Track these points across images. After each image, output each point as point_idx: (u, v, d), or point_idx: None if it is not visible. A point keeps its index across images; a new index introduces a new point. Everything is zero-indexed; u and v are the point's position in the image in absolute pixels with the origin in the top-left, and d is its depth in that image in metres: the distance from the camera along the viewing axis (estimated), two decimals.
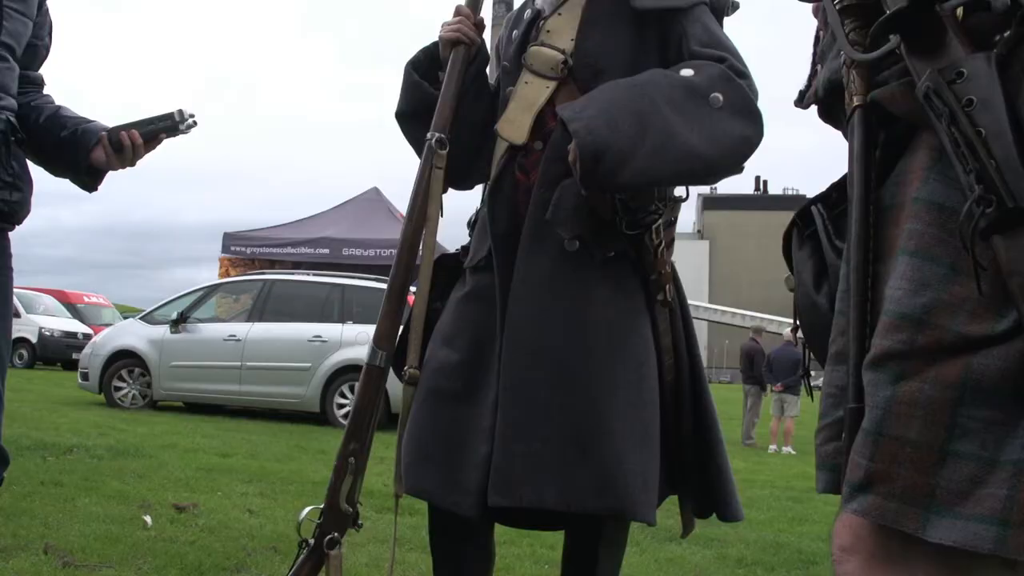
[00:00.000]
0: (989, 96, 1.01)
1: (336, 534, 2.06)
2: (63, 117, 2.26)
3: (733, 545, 4.81)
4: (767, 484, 8.16)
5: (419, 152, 2.20)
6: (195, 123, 2.30)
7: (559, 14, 2.21)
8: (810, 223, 1.42)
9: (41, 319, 20.63)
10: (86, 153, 2.22)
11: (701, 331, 47.39)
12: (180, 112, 2.28)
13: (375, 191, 17.67)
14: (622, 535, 2.31)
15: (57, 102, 2.34)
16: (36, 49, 2.28)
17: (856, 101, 1.20)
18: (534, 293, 2.09)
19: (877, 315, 1.10)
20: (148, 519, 4.21)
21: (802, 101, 1.37)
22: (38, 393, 12.48)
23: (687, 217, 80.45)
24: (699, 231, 77.84)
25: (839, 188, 1.34)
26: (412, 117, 2.31)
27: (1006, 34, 1.04)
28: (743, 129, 2.00)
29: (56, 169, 2.30)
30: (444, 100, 2.20)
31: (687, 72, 2.03)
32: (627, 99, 1.96)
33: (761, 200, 79.47)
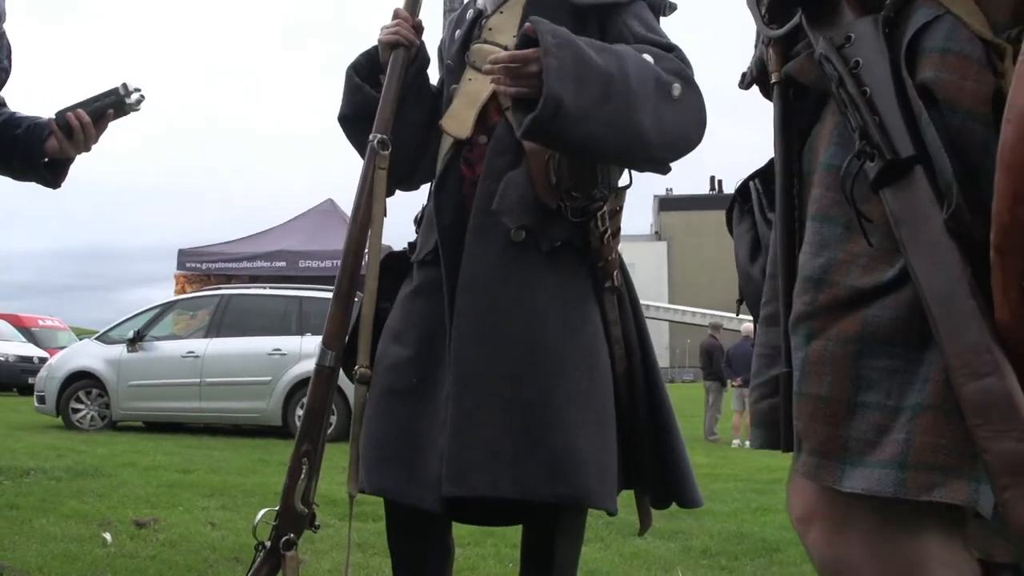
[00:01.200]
0: (874, 56, 1.05)
1: (292, 535, 2.06)
2: (17, 118, 2.26)
3: (697, 537, 4.84)
4: (731, 478, 8.22)
5: (363, 155, 2.21)
6: (142, 97, 2.26)
7: (501, 12, 2.24)
8: (748, 198, 1.46)
9: None
10: (40, 145, 2.21)
11: (662, 331, 47.70)
12: (124, 86, 2.25)
13: (330, 203, 17.59)
14: (579, 525, 2.32)
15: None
16: None
17: (774, 78, 1.24)
18: (481, 283, 2.10)
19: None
20: (108, 536, 4.16)
21: (743, 82, 1.41)
22: None
23: (644, 219, 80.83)
24: (656, 232, 78.21)
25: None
26: (355, 120, 2.32)
27: None
28: (689, 130, 2.04)
29: (16, 170, 2.28)
30: (385, 102, 2.21)
31: (648, 57, 2.04)
32: (601, 58, 1.94)
33: (717, 200, 79.96)
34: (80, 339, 17.61)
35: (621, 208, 2.26)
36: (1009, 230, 0.89)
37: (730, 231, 1.51)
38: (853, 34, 1.07)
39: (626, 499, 2.21)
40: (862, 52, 1.06)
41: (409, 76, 2.27)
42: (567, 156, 2.04)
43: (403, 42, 2.25)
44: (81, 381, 11.28)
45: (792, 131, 1.22)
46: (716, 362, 14.23)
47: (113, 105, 2.23)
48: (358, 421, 2.18)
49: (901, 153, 0.99)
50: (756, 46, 1.40)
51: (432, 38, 2.36)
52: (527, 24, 1.94)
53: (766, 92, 1.38)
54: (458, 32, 2.32)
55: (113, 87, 2.25)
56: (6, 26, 2.29)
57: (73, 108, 2.21)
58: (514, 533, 4.34)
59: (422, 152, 2.31)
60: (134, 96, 2.25)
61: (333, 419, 9.87)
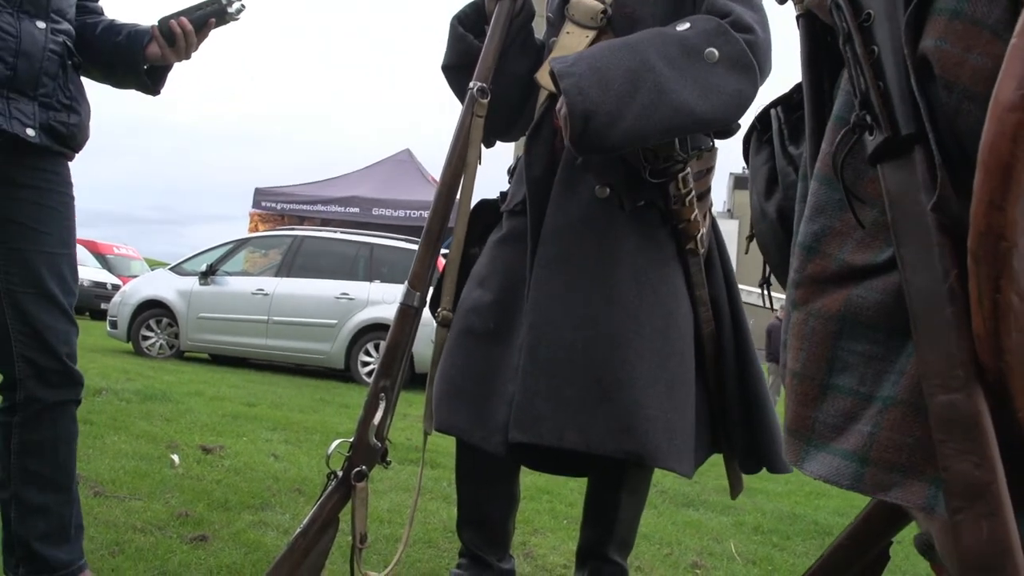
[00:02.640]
0: (889, 10, 0.94)
1: (364, 467, 2.10)
2: (117, 25, 2.30)
3: (750, 514, 4.83)
4: None
5: (463, 102, 2.23)
6: (243, 6, 2.28)
7: None
8: (768, 127, 1.38)
9: None
10: (141, 50, 2.24)
11: None
12: None
13: (407, 152, 17.67)
14: (644, 484, 2.34)
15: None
16: None
17: (798, 10, 1.15)
18: (563, 235, 2.13)
19: None
20: (176, 458, 4.28)
21: None
22: None
23: (719, 196, 79.75)
24: (729, 210, 77.19)
25: (800, 89, 1.27)
26: (457, 69, 2.36)
27: None
28: (737, 83, 2.01)
29: (117, 76, 2.33)
30: (487, 51, 2.24)
31: (682, 27, 2.04)
32: (619, 57, 1.97)
33: None
34: (153, 269, 18.00)
35: (710, 170, 2.25)
36: (983, 237, 0.83)
37: (746, 160, 1.45)
38: None
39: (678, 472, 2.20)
40: (875, 3, 0.95)
41: (513, 28, 2.30)
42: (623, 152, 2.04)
43: None
44: (152, 310, 11.52)
45: (822, 69, 1.12)
46: (775, 342, 14.07)
47: (215, 13, 2.26)
48: (436, 362, 2.22)
49: (902, 129, 0.91)
50: None
51: None
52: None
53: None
54: None
55: None
56: None
57: (176, 16, 2.24)
58: (568, 491, 4.39)
59: (523, 104, 2.34)
60: (235, 5, 2.27)
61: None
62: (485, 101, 2.19)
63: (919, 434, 0.93)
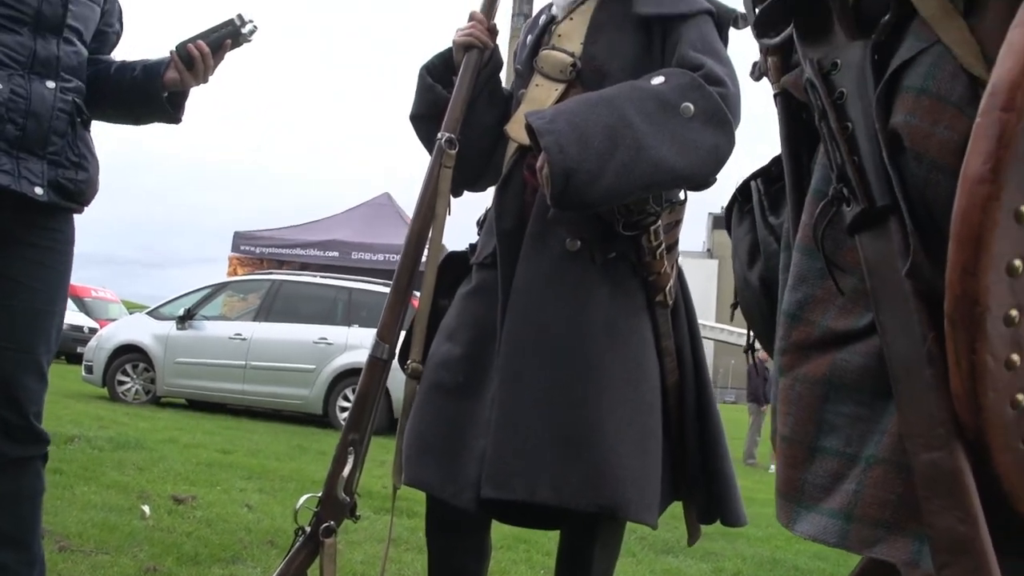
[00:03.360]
0: (859, 89, 0.99)
1: (332, 523, 2.06)
2: (130, 63, 2.32)
3: (730, 559, 4.80)
4: (767, 502, 8.08)
5: (432, 153, 2.23)
6: (255, 28, 2.30)
7: (570, 19, 2.27)
8: (749, 198, 1.41)
9: None
10: (159, 78, 2.26)
11: (707, 350, 47.23)
12: (240, 16, 2.30)
13: (386, 196, 17.70)
14: (616, 537, 2.31)
15: None
16: (106, 35, 2.35)
17: (775, 89, 1.19)
18: (535, 289, 2.11)
19: None
20: (146, 509, 4.21)
21: (754, 72, 1.36)
22: None
23: (698, 236, 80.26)
24: (709, 250, 77.56)
25: (779, 162, 1.30)
26: (425, 119, 2.35)
27: (886, 18, 1.02)
28: (714, 138, 2.01)
29: (136, 111, 2.35)
30: (455, 102, 2.24)
31: (657, 80, 2.04)
32: (597, 113, 1.96)
33: None
34: (131, 313, 17.87)
35: (678, 222, 2.25)
36: (959, 302, 0.85)
37: (728, 232, 1.47)
38: (840, 60, 1.02)
39: (661, 516, 2.19)
40: (847, 82, 1.00)
41: (481, 79, 2.29)
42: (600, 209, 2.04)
43: (477, 44, 2.28)
44: (129, 354, 11.41)
45: (800, 144, 1.16)
46: (755, 383, 14.06)
47: (230, 35, 2.28)
48: (406, 414, 2.19)
49: (877, 200, 0.95)
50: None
51: (505, 41, 2.38)
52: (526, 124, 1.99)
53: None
54: (530, 37, 2.35)
55: (229, 18, 2.30)
56: None
57: (193, 40, 2.26)
58: (546, 540, 4.34)
59: (491, 155, 2.33)
60: (248, 27, 2.29)
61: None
62: (453, 152, 2.19)
63: (901, 491, 0.95)
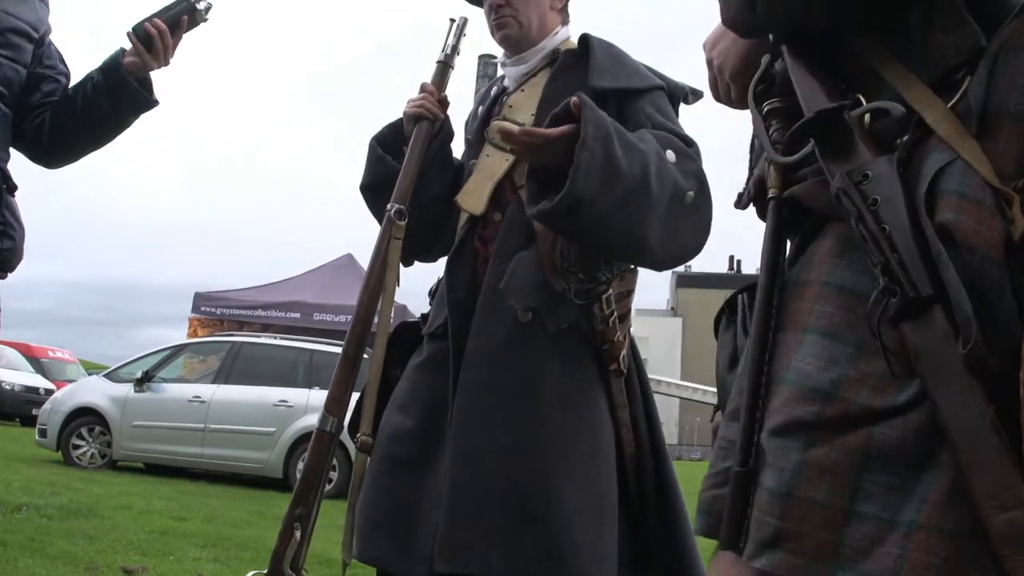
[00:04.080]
0: (891, 195, 1.10)
1: None
2: (81, 79, 2.30)
3: None
4: None
5: (382, 223, 2.24)
6: (210, 5, 2.29)
7: (522, 91, 2.30)
8: (736, 310, 1.52)
9: (2, 373, 20.17)
10: (121, 68, 2.24)
11: (672, 408, 47.43)
12: None
13: (348, 257, 17.64)
14: None
15: None
16: (54, 79, 2.31)
17: (772, 193, 1.28)
18: (485, 361, 2.10)
19: (771, 382, 1.18)
20: None
21: (739, 202, 1.45)
22: None
23: (661, 294, 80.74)
24: (672, 308, 78.11)
25: None
26: (375, 190, 2.36)
27: (904, 138, 1.14)
28: (692, 240, 2.06)
29: (106, 111, 2.30)
30: (406, 173, 2.25)
31: (671, 155, 2.02)
32: (627, 163, 1.88)
33: (735, 279, 79.70)
34: (90, 373, 17.63)
35: (630, 292, 2.25)
36: None
37: (716, 337, 1.56)
38: (871, 172, 1.12)
39: None
40: (880, 190, 1.11)
41: (432, 149, 2.30)
42: (569, 242, 2.04)
43: (427, 115, 2.29)
44: (85, 417, 11.21)
45: (783, 244, 1.27)
46: None
47: (186, 11, 2.27)
48: (356, 490, 2.15)
49: (921, 291, 1.04)
50: (751, 167, 1.44)
51: (462, 108, 2.40)
52: (574, 99, 1.88)
53: (762, 214, 1.41)
54: (481, 108, 2.37)
55: None
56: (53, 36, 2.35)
57: (149, 19, 2.24)
58: None
59: (442, 225, 2.33)
60: (203, 3, 2.28)
61: (334, 475, 9.80)
62: (403, 223, 2.19)
63: (945, 555, 1.02)
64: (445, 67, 2.38)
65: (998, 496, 0.97)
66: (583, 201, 1.83)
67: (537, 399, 2.07)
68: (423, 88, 2.33)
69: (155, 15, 2.25)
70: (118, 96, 2.27)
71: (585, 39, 2.27)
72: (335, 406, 2.11)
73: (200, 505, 7.86)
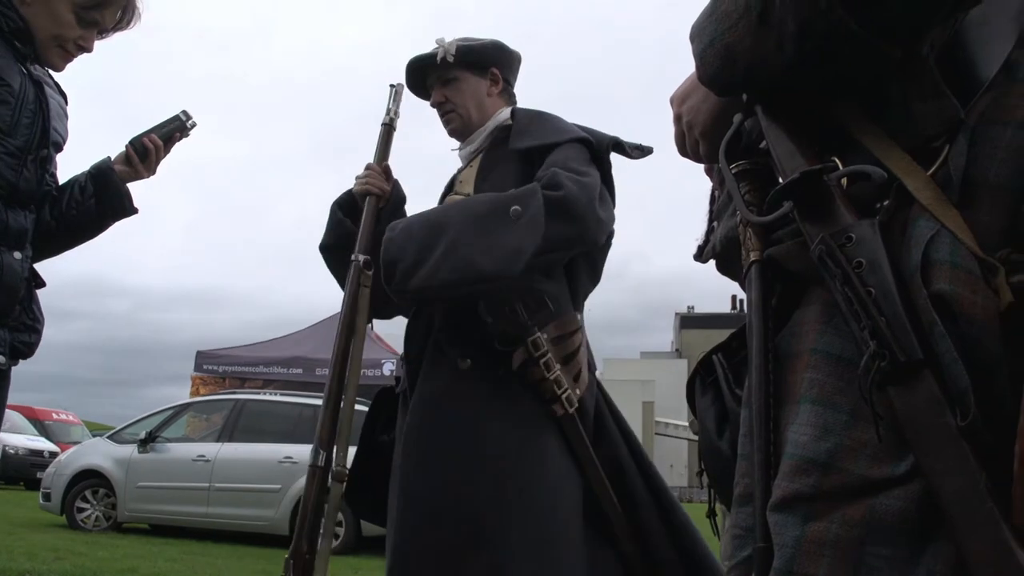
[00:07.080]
0: (876, 258, 1.09)
1: None
2: (68, 180, 2.38)
3: None
4: None
5: (340, 282, 2.52)
6: (196, 123, 2.50)
7: (470, 166, 2.57)
8: (711, 371, 1.50)
9: (6, 436, 20.03)
10: (111, 174, 2.37)
11: (681, 450, 47.18)
12: (184, 112, 2.52)
13: None
14: None
15: None
16: (48, 184, 2.36)
17: (753, 256, 1.28)
18: (429, 407, 2.25)
19: (779, 457, 1.14)
20: None
21: (700, 256, 1.45)
22: None
23: (666, 336, 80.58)
24: (677, 350, 78.03)
25: (738, 337, 1.42)
26: (334, 250, 2.61)
27: (885, 203, 1.13)
28: (519, 242, 2.15)
29: (93, 215, 2.38)
30: (365, 228, 2.51)
31: (509, 191, 2.25)
32: (429, 215, 2.26)
33: (737, 319, 79.22)
34: (95, 435, 17.53)
35: (574, 332, 2.33)
36: None
37: (689, 403, 1.54)
38: (854, 235, 1.11)
39: None
40: (864, 254, 1.09)
41: (385, 215, 2.54)
42: (440, 300, 2.26)
43: (374, 191, 2.56)
44: (89, 480, 11.16)
45: (769, 310, 1.25)
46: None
47: (178, 129, 2.47)
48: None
49: (911, 356, 1.02)
50: (711, 221, 1.46)
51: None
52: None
53: (723, 269, 1.45)
54: (446, 185, 2.65)
55: (175, 115, 2.51)
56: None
57: (146, 134, 2.43)
58: None
59: None
60: (190, 122, 2.50)
61: (340, 531, 9.71)
62: (371, 272, 2.40)
63: None
64: (389, 129, 2.68)
65: (995, 562, 0.94)
66: (396, 259, 2.15)
67: (476, 442, 2.18)
68: (368, 166, 2.59)
69: (151, 131, 2.45)
70: (106, 202, 2.37)
71: (512, 112, 2.56)
72: (322, 443, 2.32)
73: (206, 566, 7.78)
